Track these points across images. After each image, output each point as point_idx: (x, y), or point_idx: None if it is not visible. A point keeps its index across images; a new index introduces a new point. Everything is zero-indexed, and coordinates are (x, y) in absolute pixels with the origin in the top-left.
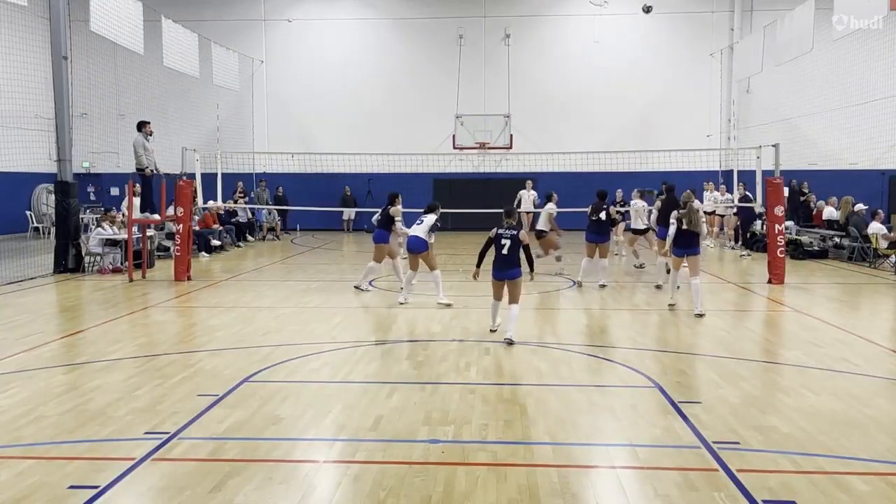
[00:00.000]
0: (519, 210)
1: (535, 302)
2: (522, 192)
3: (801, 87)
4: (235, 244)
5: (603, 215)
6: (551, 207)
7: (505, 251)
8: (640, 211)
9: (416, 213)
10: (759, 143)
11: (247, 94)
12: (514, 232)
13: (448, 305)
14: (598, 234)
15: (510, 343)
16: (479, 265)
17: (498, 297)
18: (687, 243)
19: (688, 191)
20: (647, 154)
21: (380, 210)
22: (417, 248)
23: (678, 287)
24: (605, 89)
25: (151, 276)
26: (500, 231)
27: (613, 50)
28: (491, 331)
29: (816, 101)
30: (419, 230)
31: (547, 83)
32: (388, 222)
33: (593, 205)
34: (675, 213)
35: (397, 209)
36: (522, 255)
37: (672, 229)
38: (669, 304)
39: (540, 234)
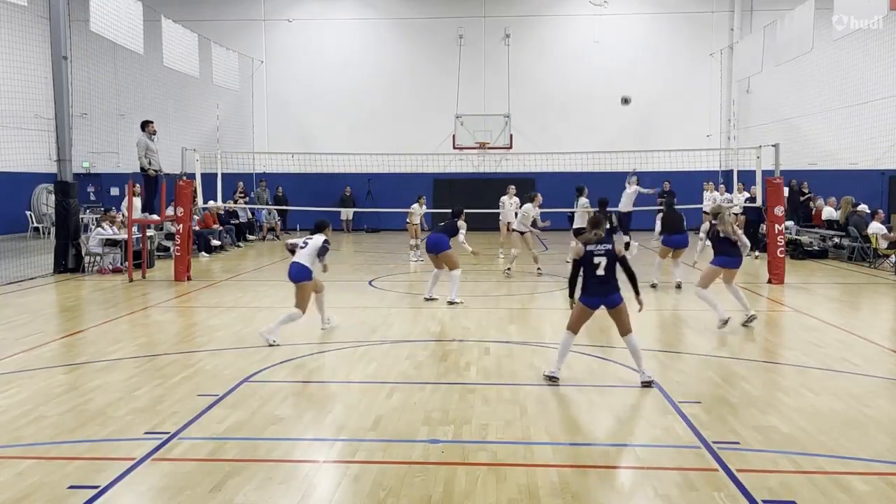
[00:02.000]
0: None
1: (536, 302)
2: (504, 198)
3: (801, 87)
4: (235, 244)
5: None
6: (527, 208)
7: (601, 271)
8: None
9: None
10: (759, 143)
11: (247, 94)
12: (609, 246)
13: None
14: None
15: (650, 384)
16: (571, 294)
17: (576, 330)
18: (733, 252)
19: (717, 203)
20: (647, 154)
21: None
22: (298, 277)
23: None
24: (605, 89)
25: (151, 276)
26: (591, 247)
27: (613, 50)
28: (553, 378)
29: (816, 101)
30: (303, 255)
31: (547, 83)
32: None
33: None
34: (705, 227)
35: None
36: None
37: (702, 244)
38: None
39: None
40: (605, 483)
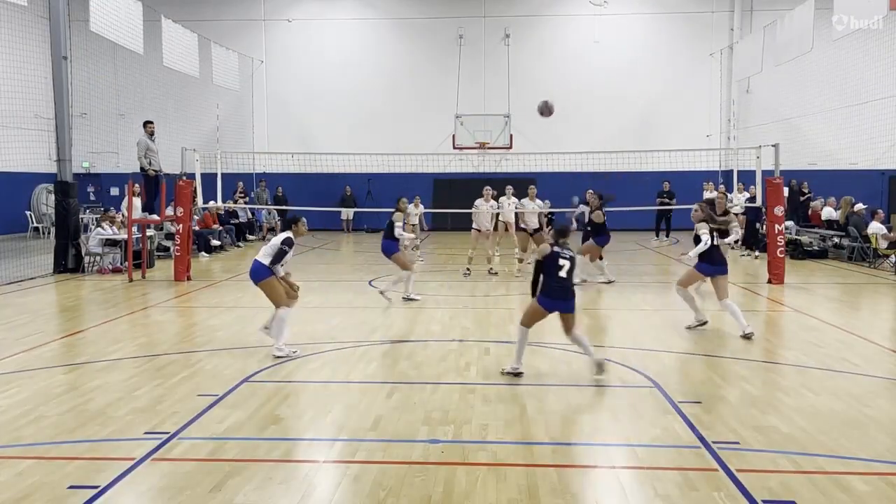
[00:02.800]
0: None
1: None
2: (503, 199)
3: (801, 87)
4: (235, 244)
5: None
6: (532, 204)
7: (563, 273)
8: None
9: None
10: (758, 143)
11: (247, 94)
12: (573, 252)
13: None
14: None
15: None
16: (534, 294)
17: (529, 324)
18: (720, 259)
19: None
20: (647, 154)
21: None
22: (255, 277)
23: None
24: (605, 89)
25: (151, 276)
26: (557, 250)
27: (613, 50)
28: (516, 374)
29: (816, 101)
30: (261, 252)
31: (547, 83)
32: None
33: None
34: (704, 226)
35: (399, 214)
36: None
37: (703, 245)
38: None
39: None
40: (605, 483)
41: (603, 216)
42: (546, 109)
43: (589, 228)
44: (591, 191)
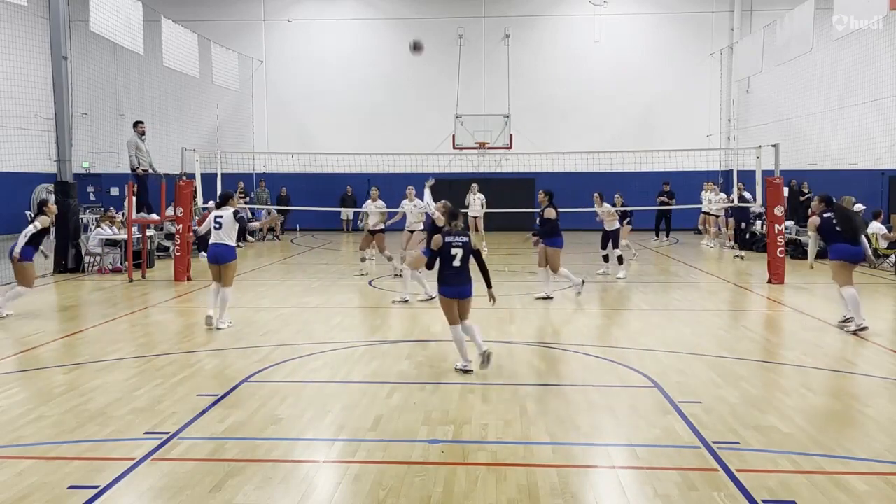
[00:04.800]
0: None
1: (535, 302)
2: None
3: (801, 87)
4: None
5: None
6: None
7: (457, 262)
8: None
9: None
10: (758, 143)
11: (247, 94)
12: (465, 239)
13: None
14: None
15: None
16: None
17: (455, 320)
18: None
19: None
20: (647, 154)
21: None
22: (227, 257)
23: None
24: (605, 89)
25: (151, 276)
26: (449, 239)
27: (613, 50)
28: (466, 371)
29: (816, 101)
30: (223, 235)
31: (547, 83)
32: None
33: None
34: (814, 220)
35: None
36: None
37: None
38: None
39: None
40: (605, 483)
41: (555, 213)
42: (416, 47)
43: (541, 229)
44: (541, 191)
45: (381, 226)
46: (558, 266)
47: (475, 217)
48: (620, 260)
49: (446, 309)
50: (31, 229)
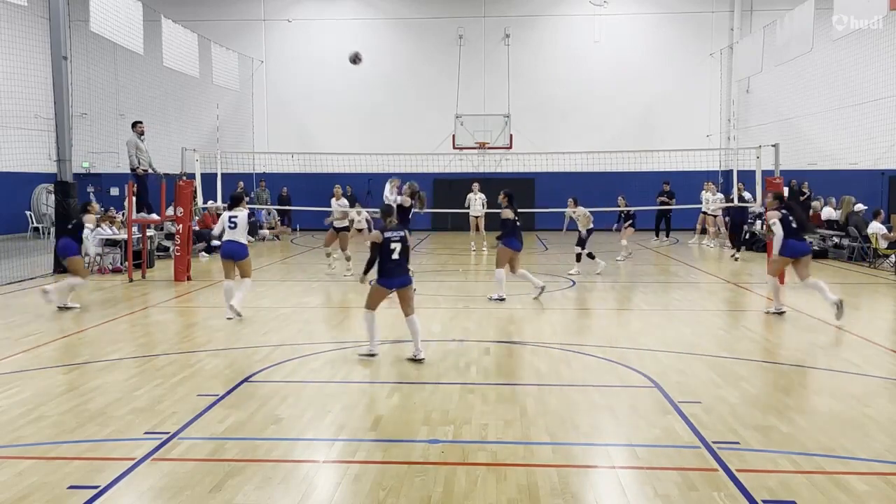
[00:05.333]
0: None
1: (535, 302)
2: (470, 195)
3: (801, 87)
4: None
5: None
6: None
7: (396, 255)
8: None
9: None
10: (758, 143)
11: (247, 94)
12: (403, 233)
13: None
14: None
15: (420, 360)
16: (366, 272)
17: (373, 307)
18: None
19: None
20: (647, 154)
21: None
22: (242, 254)
23: None
24: (605, 89)
25: (151, 277)
26: (388, 234)
27: (613, 50)
28: (371, 355)
29: (816, 101)
30: (238, 233)
31: (547, 83)
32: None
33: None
34: (776, 214)
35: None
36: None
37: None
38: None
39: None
40: (605, 483)
41: (512, 214)
42: (355, 60)
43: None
44: (502, 191)
45: (346, 223)
46: (503, 265)
47: (476, 217)
48: (591, 256)
49: (377, 297)
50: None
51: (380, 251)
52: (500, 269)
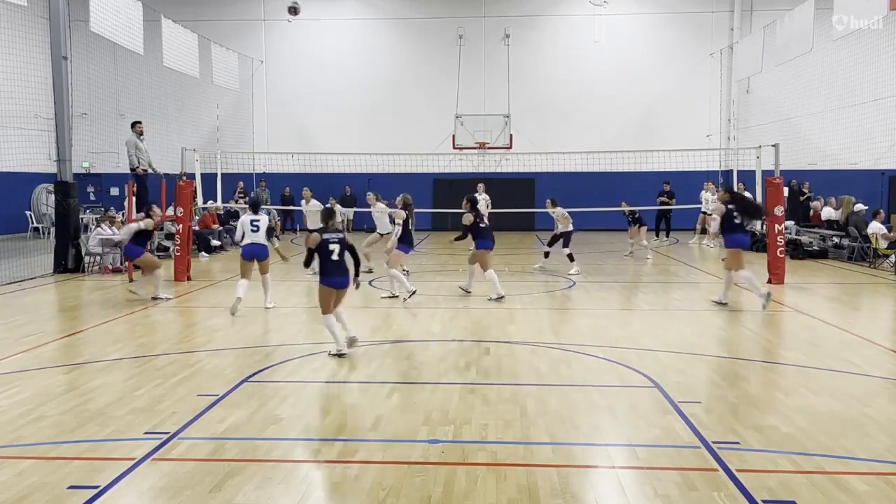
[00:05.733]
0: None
1: (535, 302)
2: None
3: (801, 87)
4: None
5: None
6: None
7: (335, 256)
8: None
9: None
10: (758, 143)
11: (247, 94)
12: (342, 235)
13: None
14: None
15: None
16: (307, 265)
17: (329, 309)
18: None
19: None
20: (647, 154)
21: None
22: (265, 254)
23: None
24: (605, 89)
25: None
26: (327, 236)
27: (613, 50)
28: (340, 354)
29: (816, 101)
30: (260, 236)
31: (547, 83)
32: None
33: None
34: (720, 208)
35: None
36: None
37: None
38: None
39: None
40: (605, 483)
41: (472, 218)
42: (294, 9)
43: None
44: (465, 197)
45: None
46: (487, 266)
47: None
48: (571, 258)
49: (325, 299)
50: (134, 227)
51: (320, 253)
52: (488, 270)
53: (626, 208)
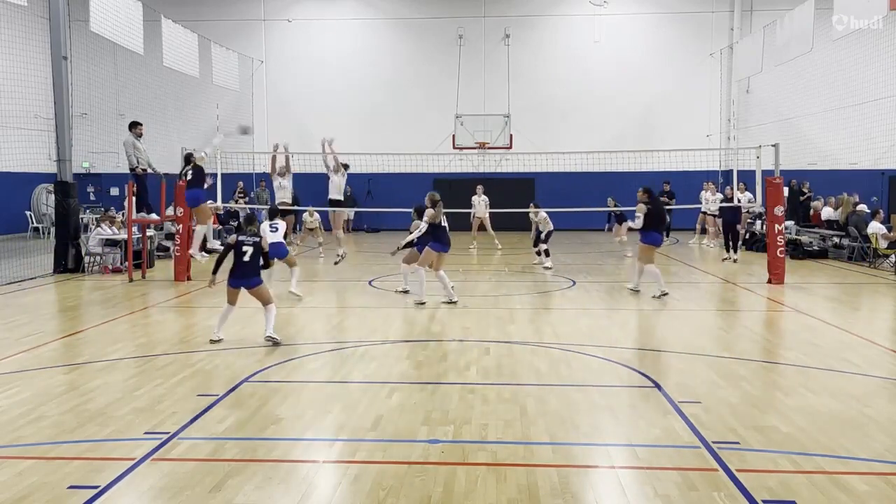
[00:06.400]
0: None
1: (535, 302)
2: (474, 198)
3: (801, 87)
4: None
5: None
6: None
7: (247, 258)
8: None
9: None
10: (758, 143)
11: (247, 94)
12: (257, 239)
13: (299, 297)
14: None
15: (276, 343)
16: (215, 272)
17: (233, 302)
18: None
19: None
20: (647, 154)
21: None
22: (283, 252)
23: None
24: (605, 89)
25: (151, 277)
26: (242, 238)
27: (613, 50)
28: (212, 341)
29: (816, 101)
30: (279, 236)
31: (547, 83)
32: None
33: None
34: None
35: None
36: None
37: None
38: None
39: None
40: (605, 483)
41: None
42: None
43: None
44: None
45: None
46: (424, 264)
47: (480, 217)
48: (547, 253)
49: (228, 294)
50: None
51: (234, 254)
52: (418, 267)
53: (612, 207)
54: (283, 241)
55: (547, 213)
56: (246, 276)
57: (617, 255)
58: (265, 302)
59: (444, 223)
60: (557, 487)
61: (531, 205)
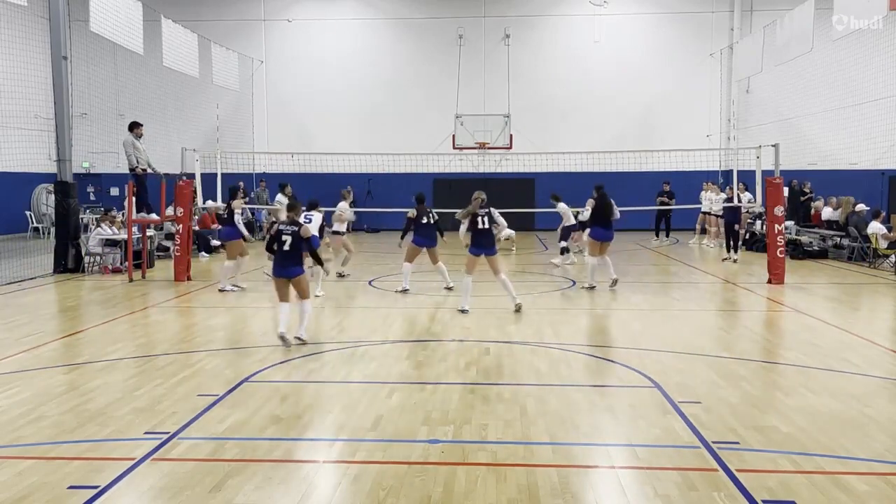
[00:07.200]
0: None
1: (536, 302)
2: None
3: (801, 87)
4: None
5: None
6: (342, 207)
7: (287, 247)
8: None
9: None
10: (758, 143)
11: (247, 94)
12: (296, 228)
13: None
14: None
15: (303, 342)
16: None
17: (283, 297)
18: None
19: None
20: (647, 154)
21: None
22: (317, 243)
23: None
24: (605, 89)
25: (151, 277)
26: (281, 227)
27: (613, 50)
28: (281, 338)
29: (816, 101)
30: (314, 228)
31: (547, 83)
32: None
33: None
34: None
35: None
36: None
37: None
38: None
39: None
40: (605, 483)
41: (414, 212)
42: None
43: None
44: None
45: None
46: (410, 259)
47: None
48: (564, 250)
49: (277, 287)
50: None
51: (275, 243)
52: (409, 264)
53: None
54: (315, 234)
55: (552, 211)
56: (286, 265)
57: (617, 255)
58: (302, 296)
59: (431, 220)
60: (557, 487)
61: (552, 197)
